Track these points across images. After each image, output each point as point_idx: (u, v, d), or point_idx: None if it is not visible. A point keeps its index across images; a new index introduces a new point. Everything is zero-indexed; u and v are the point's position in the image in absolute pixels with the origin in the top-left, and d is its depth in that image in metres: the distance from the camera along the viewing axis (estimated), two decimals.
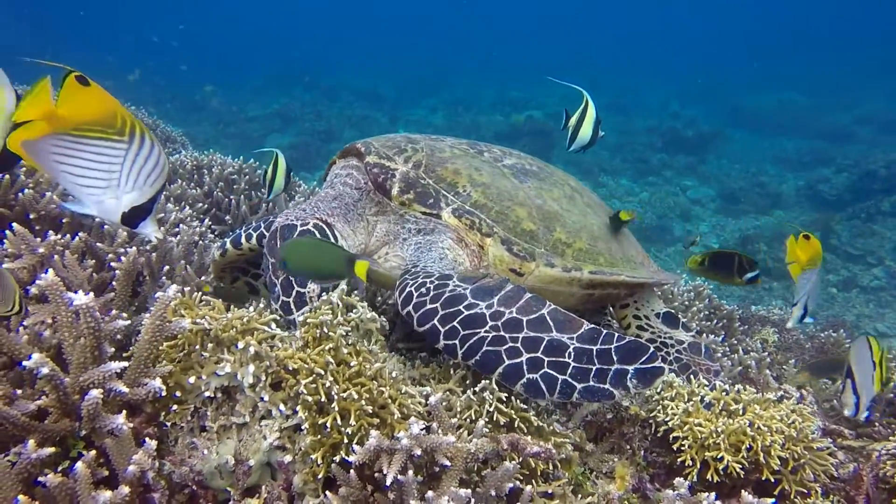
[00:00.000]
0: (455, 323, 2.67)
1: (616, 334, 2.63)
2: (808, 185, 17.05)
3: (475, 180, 3.25)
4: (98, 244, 2.92)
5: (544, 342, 2.59)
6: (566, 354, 2.56)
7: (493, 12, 52.48)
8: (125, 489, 1.79)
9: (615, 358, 2.54)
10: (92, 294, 1.99)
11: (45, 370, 1.82)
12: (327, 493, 2.27)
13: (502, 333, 2.62)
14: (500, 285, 2.87)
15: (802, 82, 27.71)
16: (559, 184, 3.62)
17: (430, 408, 2.32)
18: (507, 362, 2.53)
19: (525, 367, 2.52)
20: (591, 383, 2.48)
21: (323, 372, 2.34)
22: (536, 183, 3.47)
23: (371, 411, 2.34)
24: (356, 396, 2.32)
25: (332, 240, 2.99)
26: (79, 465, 1.78)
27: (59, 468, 1.94)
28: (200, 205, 5.20)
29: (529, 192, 3.36)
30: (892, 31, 38.86)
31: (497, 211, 3.18)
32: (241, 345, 2.36)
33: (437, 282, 2.88)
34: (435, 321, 2.70)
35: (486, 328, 2.64)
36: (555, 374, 2.51)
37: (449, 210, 3.14)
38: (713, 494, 2.30)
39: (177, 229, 3.61)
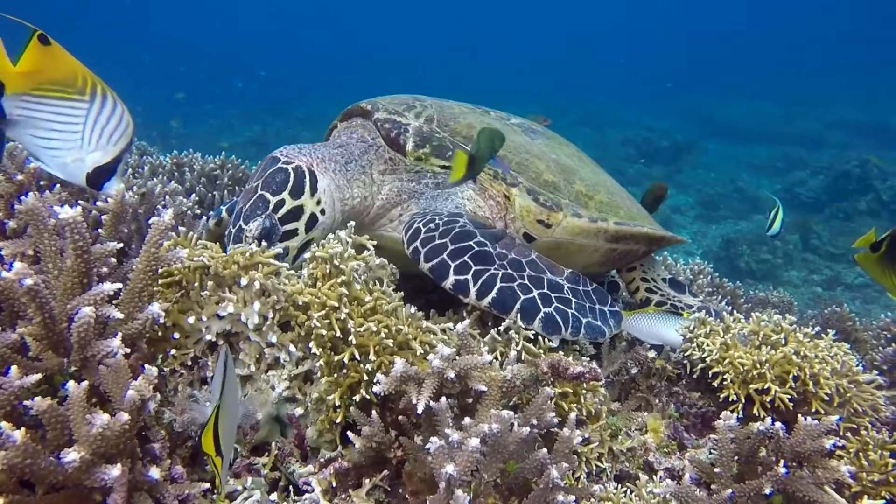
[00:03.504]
0: (466, 258, 2.57)
1: (586, 278, 2.76)
2: (785, 189, 17.16)
3: None
4: (80, 202, 2.68)
5: (545, 280, 2.60)
6: (565, 291, 2.62)
7: (458, 37, 52.95)
8: (124, 415, 1.55)
9: (595, 298, 2.68)
10: (80, 208, 1.77)
11: (28, 281, 1.58)
12: (349, 433, 2.04)
13: (510, 271, 2.56)
14: (500, 233, 2.87)
15: (771, 92, 28.14)
16: (566, 144, 3.56)
17: (457, 335, 2.11)
18: (522, 297, 2.47)
19: (539, 303, 2.48)
20: (590, 319, 2.55)
21: (337, 305, 2.13)
22: (546, 140, 3.41)
23: (391, 346, 2.12)
24: (375, 329, 2.10)
25: (309, 189, 2.75)
26: (70, 384, 1.54)
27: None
28: (180, 186, 4.97)
29: (543, 148, 3.28)
30: (856, 39, 39.87)
31: (517, 162, 3.06)
32: (244, 281, 2.14)
33: (446, 219, 2.76)
34: (444, 255, 2.59)
35: (496, 266, 2.57)
36: (565, 308, 2.52)
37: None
38: (769, 419, 2.10)
39: (163, 201, 3.38)
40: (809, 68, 34.39)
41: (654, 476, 2.44)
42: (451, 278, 2.52)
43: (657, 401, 2.84)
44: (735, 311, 4.59)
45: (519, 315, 2.44)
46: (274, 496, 2.11)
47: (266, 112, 25.41)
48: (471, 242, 2.62)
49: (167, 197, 3.44)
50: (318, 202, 2.78)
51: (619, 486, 2.28)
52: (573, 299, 2.57)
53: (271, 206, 2.66)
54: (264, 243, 2.34)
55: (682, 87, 31.41)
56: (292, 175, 2.74)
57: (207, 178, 5.59)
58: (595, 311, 2.60)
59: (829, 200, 15.79)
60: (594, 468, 2.37)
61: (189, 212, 3.44)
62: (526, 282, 2.54)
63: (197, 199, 4.12)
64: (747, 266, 13.38)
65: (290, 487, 2.16)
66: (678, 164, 19.91)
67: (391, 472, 2.10)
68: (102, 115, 1.92)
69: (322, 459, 2.16)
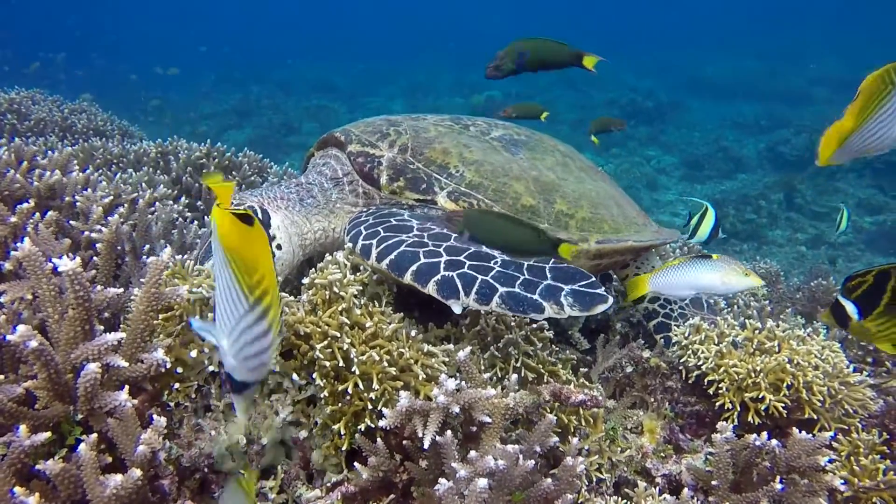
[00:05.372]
0: (379, 227, 2.56)
1: (553, 259, 2.38)
2: (769, 148, 17.21)
3: (466, 158, 3.03)
4: (72, 221, 2.66)
5: (469, 250, 2.41)
6: (492, 262, 2.33)
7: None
8: (136, 472, 1.57)
9: (549, 275, 2.27)
10: (79, 259, 1.75)
11: (33, 343, 1.58)
12: (355, 463, 2.07)
13: (425, 240, 2.47)
14: (445, 216, 2.80)
15: (754, 49, 28.05)
16: (550, 150, 3.42)
17: (459, 363, 2.13)
18: (422, 260, 2.33)
19: (441, 266, 2.30)
20: (517, 290, 2.18)
21: (339, 334, 2.14)
22: (528, 153, 3.27)
23: (394, 373, 2.14)
24: (377, 358, 2.12)
25: (265, 225, 2.75)
26: (82, 447, 1.55)
27: (56, 457, 1.71)
28: (169, 191, 4.92)
29: (523, 164, 3.15)
30: None
31: (494, 189, 2.96)
32: None
33: (385, 210, 2.78)
34: (361, 227, 2.59)
35: (410, 234, 2.51)
36: (474, 273, 2.25)
37: (444, 194, 2.91)
38: (765, 433, 2.15)
39: (153, 208, 3.35)
40: (790, 24, 34.21)
41: (652, 484, 2.50)
42: (359, 243, 2.51)
43: (652, 399, 2.90)
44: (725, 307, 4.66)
45: (413, 278, 2.30)
46: None
47: (245, 78, 25.04)
48: (392, 220, 2.62)
49: (157, 204, 3.41)
50: (273, 238, 2.79)
51: (619, 498, 2.33)
52: (497, 268, 2.29)
53: None
54: None
55: (665, 45, 31.18)
56: None
57: (194, 167, 5.51)
58: (536, 284, 2.21)
59: (812, 158, 15.81)
60: (594, 478, 2.42)
61: (180, 218, 3.41)
62: (439, 249, 2.40)
63: (187, 202, 4.08)
64: (732, 226, 13.46)
65: None
66: (663, 125, 19.87)
67: (397, 495, 2.14)
68: (244, 323, 1.53)
69: (328, 483, 2.20)
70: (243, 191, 3.00)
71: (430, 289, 2.24)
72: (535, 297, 2.15)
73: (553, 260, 2.36)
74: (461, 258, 2.35)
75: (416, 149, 3.03)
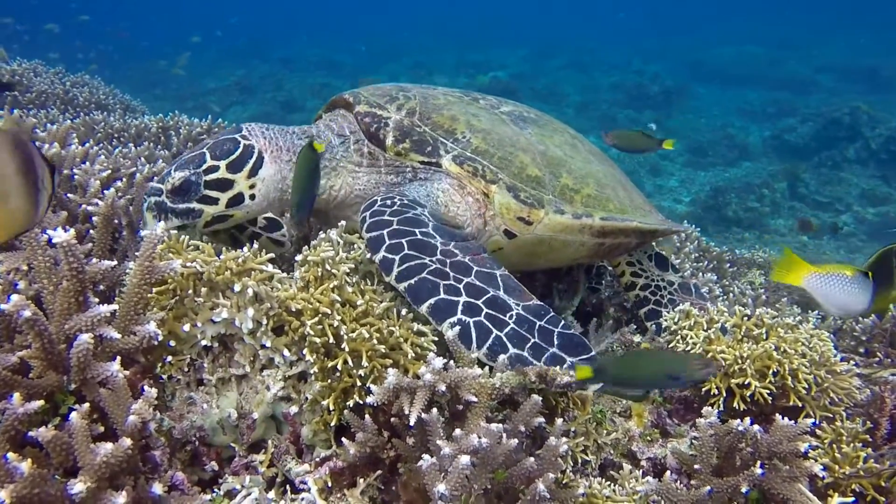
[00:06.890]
0: (403, 240, 2.52)
1: (563, 321, 2.43)
2: (773, 136, 17.16)
3: (474, 126, 3.04)
4: (69, 195, 2.69)
5: (488, 294, 2.41)
6: (507, 315, 2.36)
7: None
8: (127, 441, 1.61)
9: (556, 342, 2.33)
10: (73, 231, 1.78)
11: (26, 313, 1.61)
12: (343, 439, 2.11)
13: (447, 270, 2.45)
14: (464, 236, 2.79)
15: (758, 35, 27.85)
16: (559, 131, 3.43)
17: (448, 342, 2.16)
18: (441, 295, 2.34)
19: (460, 308, 2.32)
20: (526, 354, 2.25)
21: (330, 311, 2.17)
22: (536, 129, 3.28)
23: (384, 351, 2.18)
24: (367, 336, 2.15)
25: (248, 170, 2.76)
26: (73, 415, 1.59)
27: (50, 425, 1.75)
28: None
29: (531, 139, 3.16)
30: None
31: (500, 157, 2.97)
32: (237, 287, 2.17)
33: (406, 201, 2.76)
34: (384, 231, 2.55)
35: (433, 258, 2.48)
36: (490, 325, 2.29)
37: (449, 157, 2.92)
38: (749, 419, 2.18)
39: (150, 183, 3.37)
40: (797, 10, 33.93)
41: (637, 467, 2.53)
42: (381, 254, 2.48)
43: None
44: (721, 281, 4.67)
45: (428, 311, 2.31)
46: (272, 494, 2.19)
47: (248, 54, 24.97)
48: (416, 230, 2.58)
49: (155, 178, 3.42)
50: (252, 186, 2.80)
51: (603, 479, 2.36)
52: (512, 324, 2.32)
53: (205, 167, 2.70)
54: (256, 246, 2.36)
55: (672, 30, 30.98)
56: (240, 150, 2.77)
57: (194, 142, 5.52)
58: (543, 351, 2.28)
59: (818, 148, 15.80)
60: (580, 460, 2.46)
61: None
62: (460, 286, 2.39)
63: None
64: (735, 214, 13.47)
65: (287, 485, 2.24)
66: (668, 110, 19.79)
67: (384, 471, 2.18)
68: None
69: (317, 458, 2.24)
70: (260, 125, 2.99)
71: (445, 328, 2.26)
72: (541, 365, 2.21)
73: (563, 323, 2.40)
74: (479, 303, 2.35)
75: (423, 113, 3.04)
